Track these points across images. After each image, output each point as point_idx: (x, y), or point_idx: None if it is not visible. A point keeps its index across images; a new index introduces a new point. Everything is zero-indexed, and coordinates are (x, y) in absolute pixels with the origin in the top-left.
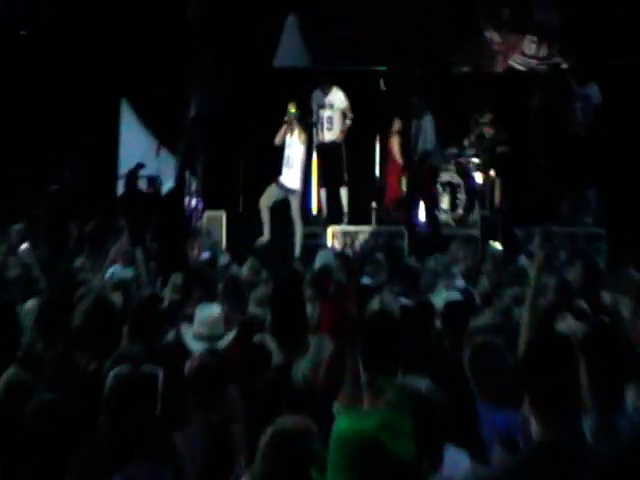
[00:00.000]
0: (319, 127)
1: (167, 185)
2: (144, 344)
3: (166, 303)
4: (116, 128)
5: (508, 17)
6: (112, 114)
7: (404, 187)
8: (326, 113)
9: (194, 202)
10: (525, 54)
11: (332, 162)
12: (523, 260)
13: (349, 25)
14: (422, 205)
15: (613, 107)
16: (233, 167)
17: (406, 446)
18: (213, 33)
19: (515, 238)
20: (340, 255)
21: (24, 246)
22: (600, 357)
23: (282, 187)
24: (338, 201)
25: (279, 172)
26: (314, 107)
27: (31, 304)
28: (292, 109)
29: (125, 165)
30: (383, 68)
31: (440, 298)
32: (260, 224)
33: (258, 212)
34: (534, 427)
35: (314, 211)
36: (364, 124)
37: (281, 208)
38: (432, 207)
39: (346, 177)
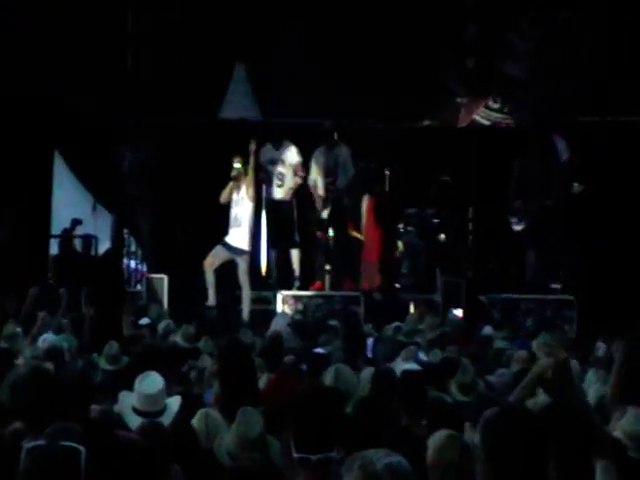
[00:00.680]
0: (269, 183)
1: (104, 245)
2: (76, 418)
3: (100, 373)
4: (49, 182)
5: (472, 67)
6: (44, 167)
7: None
8: (277, 169)
9: (133, 264)
10: (490, 108)
11: (282, 221)
12: (487, 330)
13: (300, 76)
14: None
15: (583, 165)
16: (174, 226)
17: None
18: (154, 81)
19: (480, 305)
20: (293, 322)
21: None
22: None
23: (229, 248)
24: (289, 263)
25: (225, 232)
26: (264, 162)
27: None
28: (237, 164)
29: (58, 223)
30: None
31: (398, 368)
32: (204, 288)
33: (202, 275)
34: None
35: (263, 274)
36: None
37: (228, 270)
38: (391, 270)
39: (297, 237)
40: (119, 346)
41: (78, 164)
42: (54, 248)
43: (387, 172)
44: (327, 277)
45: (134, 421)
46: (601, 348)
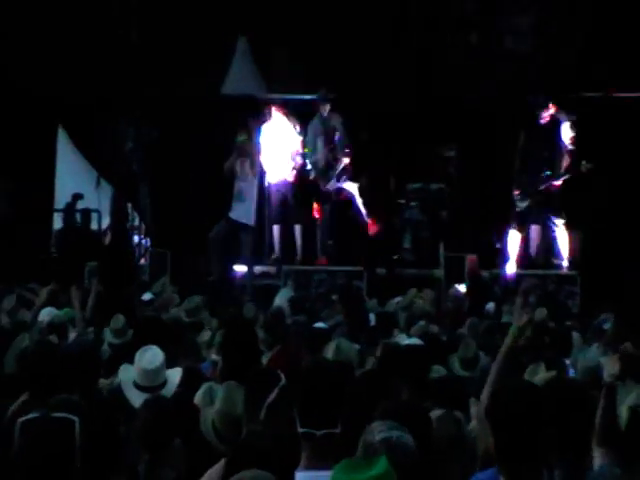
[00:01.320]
0: (273, 160)
1: (106, 220)
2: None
3: (106, 347)
4: (52, 157)
5: (476, 42)
6: (48, 141)
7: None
8: (278, 146)
9: (136, 239)
10: (494, 82)
11: (284, 197)
12: (490, 305)
13: (304, 49)
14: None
15: (588, 142)
16: (178, 201)
17: None
18: (157, 56)
19: (482, 281)
20: (293, 297)
21: None
22: (567, 411)
23: (233, 223)
24: (292, 238)
25: (229, 207)
26: (265, 139)
27: None
28: (241, 137)
29: (62, 197)
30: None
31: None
32: (208, 263)
33: (206, 250)
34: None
35: (267, 249)
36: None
37: (231, 245)
38: (391, 245)
39: (299, 213)
40: (125, 320)
41: (82, 139)
42: (58, 222)
43: (390, 147)
44: (331, 253)
45: (134, 395)
46: (606, 321)
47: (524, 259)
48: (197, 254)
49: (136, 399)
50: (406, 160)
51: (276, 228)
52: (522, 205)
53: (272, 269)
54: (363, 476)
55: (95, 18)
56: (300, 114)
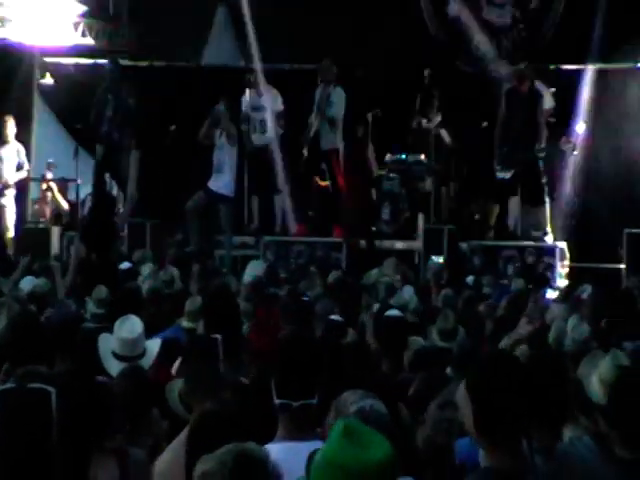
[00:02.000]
0: (251, 130)
1: (85, 190)
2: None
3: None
4: (29, 125)
5: (455, 14)
6: (25, 109)
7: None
8: (259, 115)
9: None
10: (472, 55)
11: (264, 168)
12: (470, 278)
13: (284, 19)
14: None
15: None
16: (157, 172)
17: None
18: (136, 25)
19: (460, 253)
20: (269, 267)
21: None
22: (545, 381)
23: (211, 193)
24: (271, 209)
25: (208, 177)
26: (246, 108)
27: None
28: (221, 106)
29: (39, 167)
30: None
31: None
32: (187, 233)
33: (185, 220)
34: (481, 454)
35: (245, 219)
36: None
37: (210, 216)
38: (369, 217)
39: (279, 184)
40: (108, 290)
41: (60, 107)
42: (35, 192)
43: (369, 117)
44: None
45: (113, 365)
46: (586, 291)
47: (503, 231)
48: (175, 224)
49: (114, 369)
50: (386, 131)
51: (255, 198)
52: (502, 176)
53: (251, 239)
54: (367, 456)
55: None
56: (282, 83)
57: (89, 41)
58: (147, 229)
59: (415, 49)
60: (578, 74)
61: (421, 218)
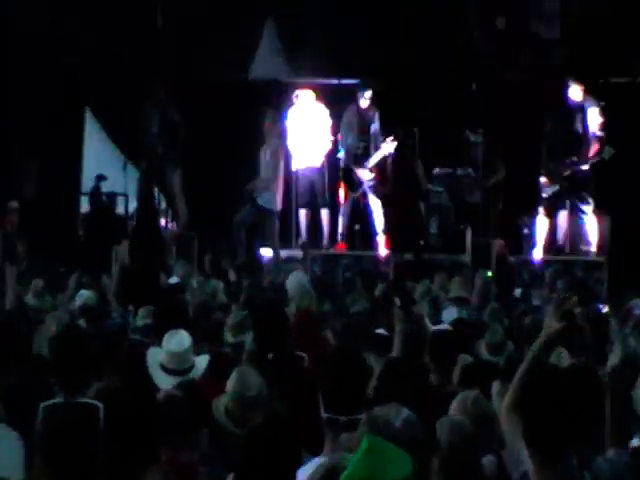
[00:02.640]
0: (301, 145)
1: (134, 204)
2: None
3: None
4: (80, 139)
5: (503, 27)
6: (75, 124)
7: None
8: (307, 131)
9: (163, 222)
10: (520, 67)
11: (312, 182)
12: (517, 290)
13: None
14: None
15: (615, 127)
16: (205, 186)
17: None
18: (183, 40)
19: (509, 267)
20: (316, 280)
21: None
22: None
23: (258, 207)
24: (319, 223)
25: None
26: (293, 124)
27: None
28: (267, 120)
29: (89, 180)
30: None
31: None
32: (234, 247)
33: (232, 234)
34: (530, 466)
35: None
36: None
37: (258, 230)
38: (419, 231)
39: (327, 198)
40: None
41: (109, 122)
42: (84, 206)
43: (416, 130)
44: (357, 237)
45: (162, 378)
46: (637, 305)
47: (552, 245)
48: (223, 238)
49: (163, 382)
50: (433, 145)
51: (303, 212)
52: (550, 191)
53: (298, 253)
54: (386, 476)
55: (122, 2)
56: (330, 98)
57: None
58: (195, 243)
59: (462, 62)
60: (628, 88)
61: (469, 232)
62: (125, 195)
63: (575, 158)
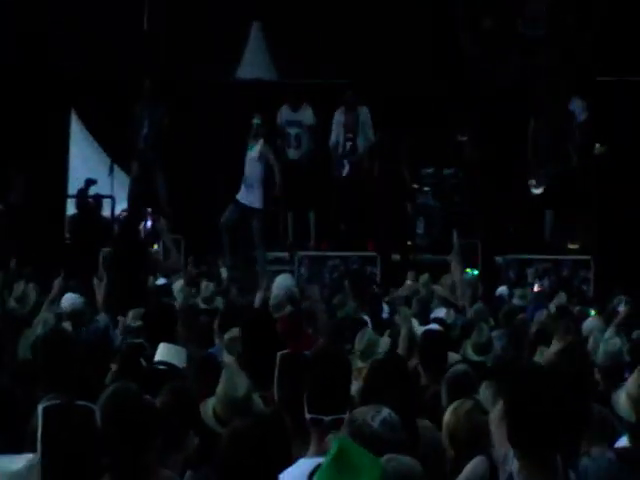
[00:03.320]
0: (286, 145)
1: (121, 206)
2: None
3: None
4: (66, 142)
5: (489, 27)
6: (61, 127)
7: None
8: (294, 130)
9: (149, 224)
10: (508, 69)
11: (299, 182)
12: (503, 290)
13: (316, 35)
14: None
15: (604, 126)
16: (192, 187)
17: None
18: (170, 41)
19: (495, 266)
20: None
21: None
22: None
23: (241, 207)
24: (305, 224)
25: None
26: (281, 123)
27: None
28: (257, 120)
29: (75, 183)
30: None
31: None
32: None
33: (218, 235)
34: (515, 466)
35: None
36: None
37: (243, 230)
38: (405, 231)
39: (314, 199)
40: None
41: (95, 125)
42: (70, 208)
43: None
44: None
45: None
46: (621, 303)
47: (538, 244)
48: (210, 240)
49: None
50: (419, 145)
51: (289, 214)
52: (537, 191)
53: (285, 255)
54: None
55: (108, 4)
56: (316, 98)
57: None
58: (182, 244)
59: (448, 64)
60: (614, 86)
61: (455, 232)
62: (111, 197)
63: (562, 158)
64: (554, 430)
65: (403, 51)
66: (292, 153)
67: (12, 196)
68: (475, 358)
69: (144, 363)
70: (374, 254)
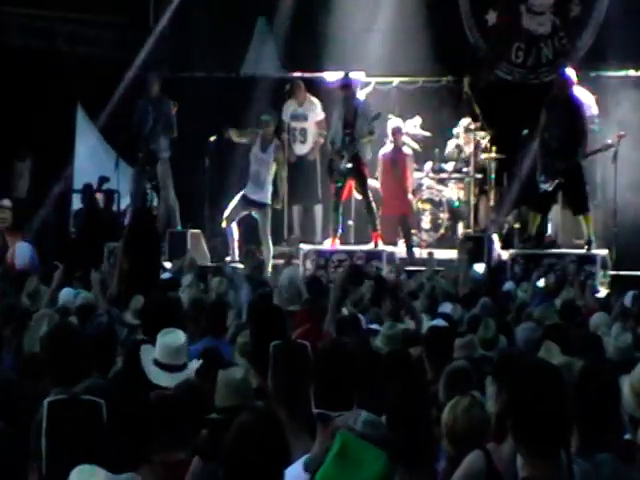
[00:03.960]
0: (291, 140)
1: (126, 200)
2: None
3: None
4: (72, 137)
5: (494, 22)
6: (67, 122)
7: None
8: (300, 125)
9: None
10: (512, 63)
11: (305, 177)
12: (509, 285)
13: (321, 29)
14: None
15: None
16: (197, 182)
17: None
18: (175, 38)
19: (501, 261)
20: (311, 278)
21: None
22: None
23: (248, 201)
24: (311, 219)
25: (243, 186)
26: (287, 118)
27: None
28: (266, 116)
29: (80, 178)
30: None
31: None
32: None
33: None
34: (519, 463)
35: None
36: None
37: (249, 225)
38: (409, 226)
39: (320, 193)
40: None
41: (101, 120)
42: (76, 203)
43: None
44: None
45: (156, 373)
46: (629, 298)
47: (546, 239)
48: (216, 234)
49: (159, 377)
50: (425, 139)
51: (296, 208)
52: (545, 187)
53: (291, 249)
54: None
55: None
56: (323, 93)
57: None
58: (187, 238)
59: (455, 57)
60: (621, 80)
61: (461, 226)
62: (117, 192)
63: (571, 153)
64: (558, 426)
65: (410, 45)
66: (298, 147)
67: (18, 190)
68: (481, 352)
69: None
70: (379, 249)
